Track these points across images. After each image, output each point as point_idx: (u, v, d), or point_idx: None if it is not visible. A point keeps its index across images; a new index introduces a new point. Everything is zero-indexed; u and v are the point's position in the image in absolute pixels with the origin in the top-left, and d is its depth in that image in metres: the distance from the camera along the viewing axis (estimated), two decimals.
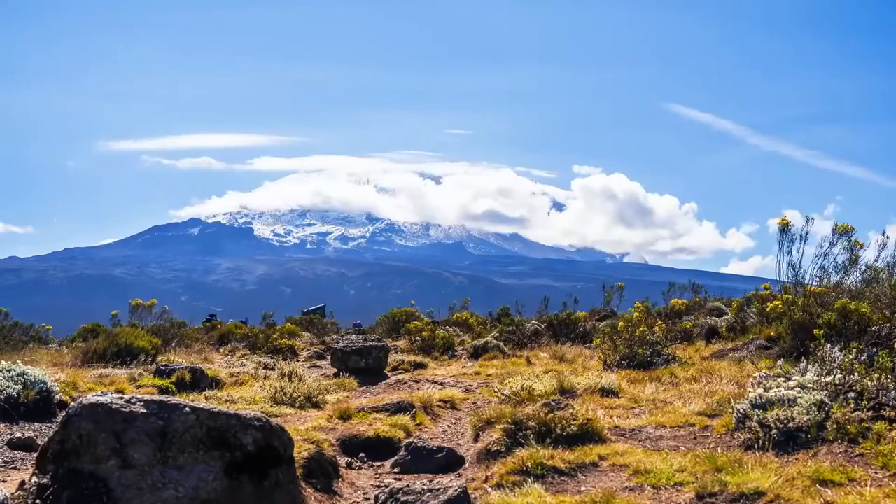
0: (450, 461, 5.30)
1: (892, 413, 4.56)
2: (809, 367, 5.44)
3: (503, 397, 6.70)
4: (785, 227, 8.66)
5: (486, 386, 8.51)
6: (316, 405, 7.63)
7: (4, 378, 6.52)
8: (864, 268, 8.57)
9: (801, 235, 8.72)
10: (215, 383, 9.08)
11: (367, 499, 4.52)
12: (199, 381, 8.90)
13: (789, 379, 5.30)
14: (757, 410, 4.77)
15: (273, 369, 10.49)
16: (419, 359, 12.10)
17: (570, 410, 5.42)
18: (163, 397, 3.71)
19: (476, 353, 12.74)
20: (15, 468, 4.90)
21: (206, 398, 7.73)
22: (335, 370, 10.76)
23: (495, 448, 4.97)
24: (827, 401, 4.70)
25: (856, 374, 4.98)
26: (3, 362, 6.93)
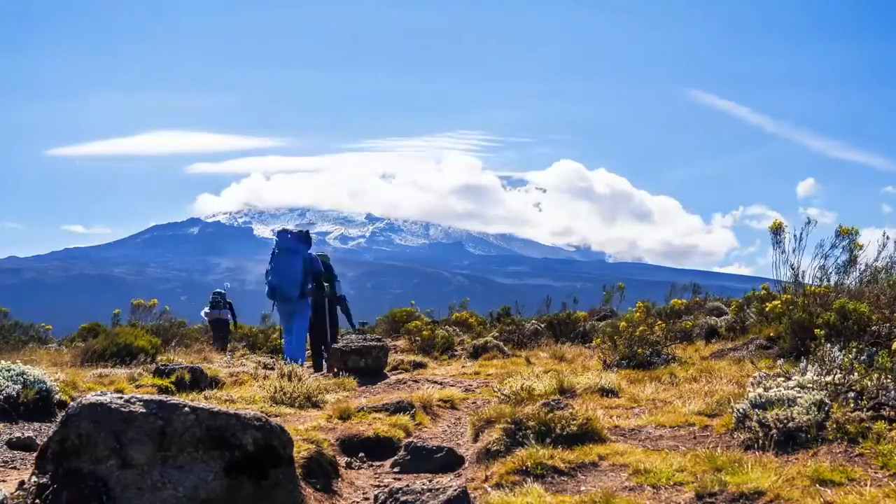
0: (449, 461, 5.29)
1: (892, 413, 4.55)
2: (809, 366, 5.44)
3: (503, 397, 6.70)
4: (777, 230, 8.66)
5: (486, 385, 8.51)
6: (315, 405, 7.63)
7: (4, 378, 6.52)
8: (863, 268, 8.58)
9: (797, 236, 8.73)
10: (215, 383, 9.08)
11: (367, 498, 4.52)
12: (199, 380, 8.89)
13: (789, 379, 5.30)
14: (757, 410, 4.76)
15: (273, 369, 10.49)
16: (419, 358, 12.09)
17: (570, 410, 5.41)
18: (162, 397, 3.70)
19: (476, 353, 12.74)
20: (14, 468, 4.89)
21: (206, 398, 7.72)
22: (335, 370, 10.75)
23: (495, 448, 4.97)
24: (827, 400, 4.70)
25: (855, 373, 4.97)
26: (3, 362, 6.92)
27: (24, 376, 6.64)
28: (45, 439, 3.61)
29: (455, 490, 3.81)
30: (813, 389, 4.91)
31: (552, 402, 5.70)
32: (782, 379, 5.35)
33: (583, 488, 4.13)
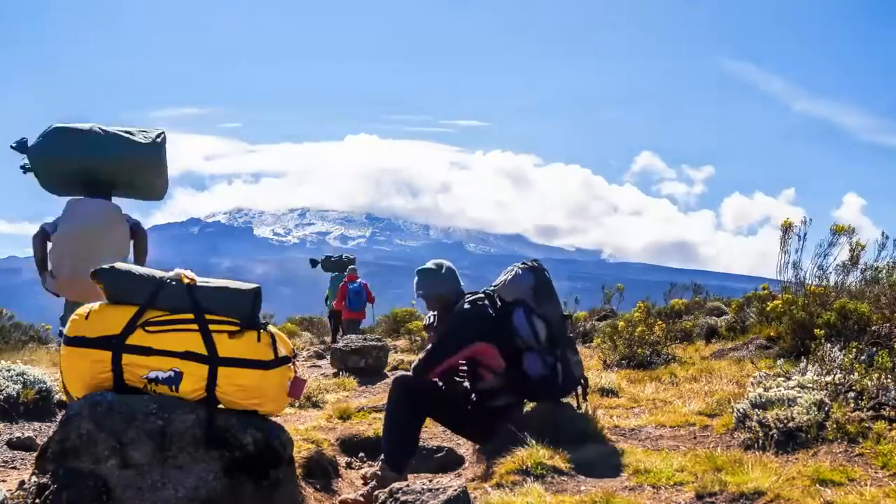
0: (450, 461, 5.30)
1: (892, 413, 4.55)
2: (809, 366, 5.44)
3: None
4: (787, 228, 8.65)
5: None
6: (315, 405, 7.63)
7: (4, 378, 6.52)
8: (864, 267, 8.57)
9: (799, 235, 8.72)
10: None
11: None
12: None
13: (789, 378, 5.30)
14: (757, 410, 4.76)
15: None
16: None
17: (570, 410, 5.41)
18: (162, 397, 3.70)
19: None
20: (14, 468, 4.90)
21: None
22: (335, 370, 10.77)
23: (495, 447, 4.97)
24: (827, 400, 4.69)
25: (856, 373, 4.97)
26: (3, 362, 6.93)
27: (24, 376, 6.65)
28: (45, 439, 3.61)
29: (455, 490, 3.80)
30: (813, 389, 4.91)
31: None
32: (782, 379, 5.34)
33: (583, 488, 4.13)
